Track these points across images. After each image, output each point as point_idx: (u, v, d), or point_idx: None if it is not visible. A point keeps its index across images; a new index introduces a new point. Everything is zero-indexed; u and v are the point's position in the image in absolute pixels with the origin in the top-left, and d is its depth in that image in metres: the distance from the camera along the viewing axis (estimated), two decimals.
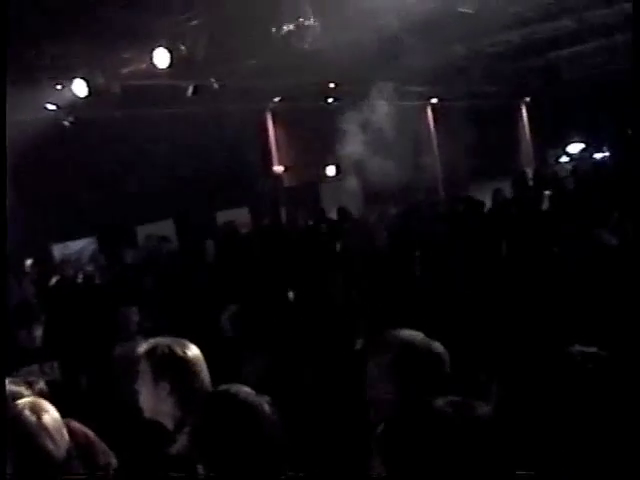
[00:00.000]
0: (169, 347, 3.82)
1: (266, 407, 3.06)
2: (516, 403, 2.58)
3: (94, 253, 15.87)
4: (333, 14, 11.74)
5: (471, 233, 14.20)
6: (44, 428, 3.80)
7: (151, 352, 3.83)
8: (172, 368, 3.78)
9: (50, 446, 3.79)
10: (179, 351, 3.80)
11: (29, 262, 13.73)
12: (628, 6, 15.93)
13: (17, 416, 3.78)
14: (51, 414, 3.89)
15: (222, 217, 18.07)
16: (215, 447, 3.00)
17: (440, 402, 2.76)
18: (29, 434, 3.75)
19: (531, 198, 15.58)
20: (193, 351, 3.85)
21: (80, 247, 16.14)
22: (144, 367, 3.82)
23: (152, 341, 3.90)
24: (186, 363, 3.79)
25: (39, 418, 3.81)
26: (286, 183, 21.26)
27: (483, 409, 2.62)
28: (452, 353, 3.48)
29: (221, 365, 4.41)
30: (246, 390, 3.13)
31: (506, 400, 2.62)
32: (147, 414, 3.88)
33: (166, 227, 17.25)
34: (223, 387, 3.28)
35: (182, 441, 3.53)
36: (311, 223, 16.85)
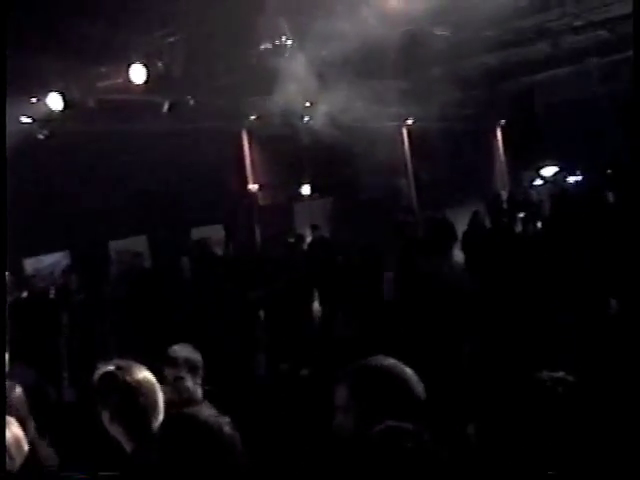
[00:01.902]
0: (110, 373, 3.80)
1: (226, 429, 3.04)
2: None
3: (66, 267, 15.78)
4: (310, 34, 11.77)
5: (444, 255, 14.29)
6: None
7: (97, 378, 3.83)
8: (111, 396, 3.76)
9: (6, 460, 3.77)
10: (120, 377, 3.77)
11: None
12: (602, 32, 16.14)
13: None
14: (11, 429, 3.86)
15: (196, 234, 18.03)
16: (177, 470, 2.97)
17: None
18: None
19: (505, 220, 15.69)
20: (139, 375, 3.80)
21: (52, 261, 16.04)
22: (95, 393, 3.82)
23: (104, 366, 3.88)
24: (125, 389, 3.75)
25: None
26: (260, 202, 21.24)
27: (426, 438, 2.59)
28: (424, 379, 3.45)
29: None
30: (206, 413, 3.12)
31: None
32: (111, 433, 3.87)
33: (139, 243, 17.19)
34: (184, 411, 3.27)
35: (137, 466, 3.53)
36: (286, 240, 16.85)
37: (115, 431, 3.77)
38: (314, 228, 17.00)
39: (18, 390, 4.69)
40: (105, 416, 3.76)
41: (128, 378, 3.74)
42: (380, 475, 2.48)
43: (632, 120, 4.92)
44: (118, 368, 3.82)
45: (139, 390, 3.75)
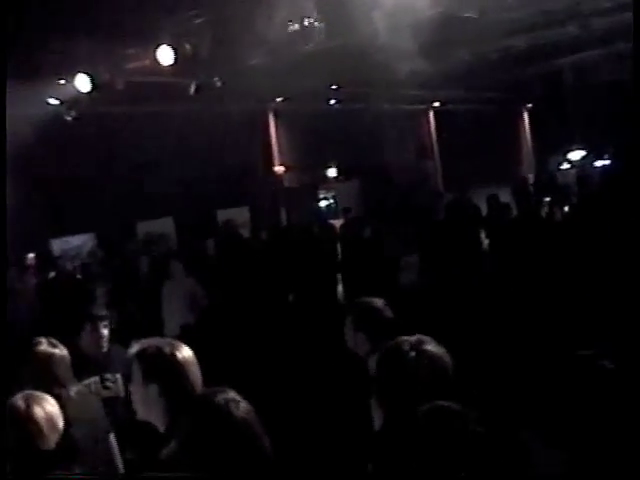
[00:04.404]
0: (158, 348, 3.81)
1: (245, 410, 3.06)
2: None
3: (93, 249, 15.90)
4: (338, 16, 11.73)
5: (470, 237, 14.25)
6: (33, 420, 3.81)
7: (141, 353, 3.82)
8: (160, 369, 3.76)
9: (37, 438, 3.81)
10: (168, 352, 3.79)
11: (31, 256, 13.73)
12: (631, 14, 15.96)
13: (9, 406, 3.80)
14: (44, 407, 3.89)
15: (222, 215, 18.11)
16: (202, 452, 2.99)
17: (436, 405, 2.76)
18: (16, 423, 3.77)
19: (532, 204, 15.59)
20: (183, 352, 3.82)
21: (80, 242, 16.15)
22: (135, 368, 3.82)
23: (144, 341, 3.90)
24: (174, 364, 3.76)
25: (29, 408, 3.82)
26: (286, 183, 21.27)
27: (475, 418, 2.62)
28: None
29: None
30: (228, 395, 3.14)
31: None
32: (140, 416, 3.87)
33: (166, 225, 17.27)
34: (207, 391, 3.29)
35: (172, 445, 3.53)
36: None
37: (158, 407, 3.77)
38: (346, 211, 16.93)
39: (63, 350, 4.74)
40: (151, 390, 3.76)
41: (178, 353, 3.78)
42: (427, 455, 2.49)
43: None
44: (165, 344, 3.85)
45: (188, 365, 3.78)
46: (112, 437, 4.82)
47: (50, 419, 3.89)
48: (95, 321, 6.11)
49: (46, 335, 4.82)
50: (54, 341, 4.77)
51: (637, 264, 6.62)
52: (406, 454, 2.51)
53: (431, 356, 3.47)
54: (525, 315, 8.91)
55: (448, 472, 2.38)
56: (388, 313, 4.99)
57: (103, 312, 6.39)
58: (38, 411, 3.85)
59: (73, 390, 4.53)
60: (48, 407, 3.91)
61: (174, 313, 11.18)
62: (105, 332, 6.12)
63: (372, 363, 4.37)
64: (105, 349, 6.08)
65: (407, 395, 3.30)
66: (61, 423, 3.94)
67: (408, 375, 3.40)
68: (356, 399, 4.43)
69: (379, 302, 5.05)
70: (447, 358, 3.47)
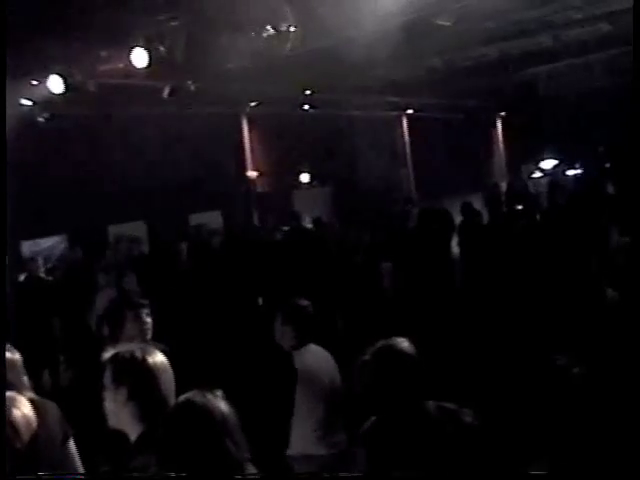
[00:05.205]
0: (130, 352, 3.81)
1: (224, 410, 3.07)
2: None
3: (63, 251, 15.80)
4: (313, 21, 11.75)
5: (442, 246, 14.30)
6: (10, 422, 3.79)
7: (113, 357, 3.83)
8: (129, 373, 3.76)
9: (14, 440, 3.78)
10: (139, 356, 3.79)
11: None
12: (604, 25, 16.13)
13: None
14: (22, 409, 3.88)
15: (194, 220, 18.05)
16: (180, 457, 2.99)
17: (431, 405, 2.83)
18: None
19: (503, 212, 15.68)
20: (155, 358, 3.83)
21: (50, 245, 16.04)
22: (107, 372, 3.82)
23: (119, 346, 3.90)
24: (145, 369, 3.76)
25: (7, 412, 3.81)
26: (259, 189, 21.25)
27: (470, 417, 2.67)
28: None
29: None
30: (206, 397, 3.14)
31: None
32: (110, 422, 3.86)
33: (137, 228, 17.18)
34: (185, 396, 3.30)
35: (143, 454, 3.53)
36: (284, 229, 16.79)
37: (127, 412, 3.76)
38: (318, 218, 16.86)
39: (15, 354, 4.66)
40: (120, 394, 3.75)
41: (149, 358, 3.77)
42: (427, 453, 2.54)
43: (632, 114, 4.93)
44: (137, 348, 3.84)
45: (159, 371, 3.77)
46: (71, 443, 4.72)
47: (27, 421, 3.87)
48: (137, 309, 5.97)
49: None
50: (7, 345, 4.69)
51: (607, 271, 6.68)
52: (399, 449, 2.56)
53: (410, 356, 3.73)
54: (498, 322, 8.97)
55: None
56: (311, 311, 6.01)
57: (143, 300, 6.25)
58: (15, 413, 3.85)
59: (27, 395, 4.43)
60: (24, 409, 3.90)
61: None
62: (149, 320, 5.98)
63: (297, 357, 5.77)
64: (149, 337, 5.89)
65: (399, 393, 3.47)
66: (34, 425, 3.93)
67: (401, 374, 3.61)
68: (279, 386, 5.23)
69: (305, 302, 6.08)
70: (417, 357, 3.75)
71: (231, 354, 9.56)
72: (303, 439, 5.74)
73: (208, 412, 3.07)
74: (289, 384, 5.39)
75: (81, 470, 4.76)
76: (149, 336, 5.92)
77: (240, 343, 10.10)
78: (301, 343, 6.01)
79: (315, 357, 6.07)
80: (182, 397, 3.35)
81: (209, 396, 3.16)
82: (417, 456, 2.90)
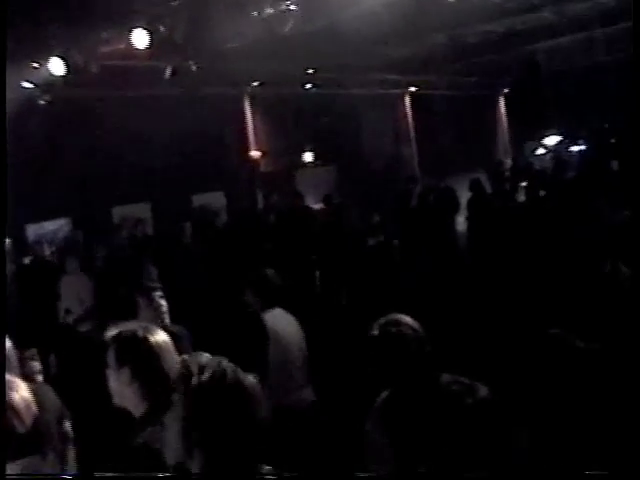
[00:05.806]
0: (132, 332, 3.81)
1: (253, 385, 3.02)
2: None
3: (68, 234, 15.79)
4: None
5: (448, 223, 14.30)
6: (10, 405, 3.81)
7: (116, 337, 3.82)
8: (132, 352, 3.76)
9: (15, 423, 3.80)
10: (141, 335, 3.79)
11: (7, 241, 13.62)
12: (607, 1, 16.05)
13: None
14: (20, 392, 3.89)
15: (198, 200, 18.05)
16: (207, 434, 2.92)
17: (445, 378, 2.84)
18: None
19: (507, 189, 15.67)
20: (157, 337, 3.83)
21: (54, 227, 16.04)
22: (110, 352, 3.82)
23: (121, 325, 3.90)
24: (147, 348, 3.76)
25: (7, 395, 3.82)
26: (262, 168, 21.20)
27: (485, 391, 2.69)
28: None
29: None
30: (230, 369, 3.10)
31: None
32: (115, 401, 3.87)
33: (142, 209, 17.18)
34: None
35: (148, 431, 3.53)
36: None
37: (130, 392, 3.77)
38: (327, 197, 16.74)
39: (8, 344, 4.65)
40: (124, 374, 3.75)
41: (151, 337, 3.77)
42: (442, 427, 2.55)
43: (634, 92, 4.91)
44: (139, 327, 3.84)
45: (162, 350, 3.78)
46: (68, 424, 4.71)
47: (27, 404, 3.89)
48: (148, 292, 5.89)
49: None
50: None
51: (610, 247, 6.67)
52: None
53: (417, 329, 3.77)
54: (503, 299, 8.98)
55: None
56: (278, 281, 6.63)
57: (155, 283, 6.19)
58: (15, 397, 3.86)
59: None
60: (22, 392, 3.91)
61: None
62: (163, 302, 5.89)
63: (266, 317, 6.24)
64: (167, 321, 5.80)
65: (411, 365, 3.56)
66: (35, 408, 3.95)
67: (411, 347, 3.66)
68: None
69: (271, 272, 6.72)
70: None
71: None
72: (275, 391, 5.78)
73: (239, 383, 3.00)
74: (260, 339, 5.92)
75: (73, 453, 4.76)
76: (167, 320, 5.87)
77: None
78: (266, 306, 6.43)
79: (277, 319, 6.40)
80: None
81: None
82: (431, 430, 2.90)
